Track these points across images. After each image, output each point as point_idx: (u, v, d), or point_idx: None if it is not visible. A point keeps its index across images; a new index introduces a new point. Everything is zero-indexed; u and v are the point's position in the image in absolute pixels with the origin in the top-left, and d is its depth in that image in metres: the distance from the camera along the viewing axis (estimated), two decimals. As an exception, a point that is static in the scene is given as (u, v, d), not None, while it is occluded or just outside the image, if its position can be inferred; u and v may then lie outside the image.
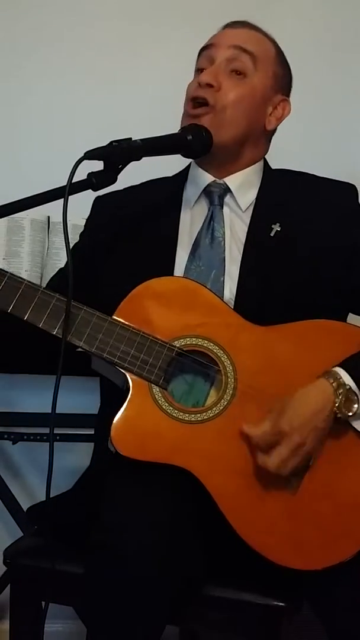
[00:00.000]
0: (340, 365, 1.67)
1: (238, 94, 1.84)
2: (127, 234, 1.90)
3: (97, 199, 1.98)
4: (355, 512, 1.65)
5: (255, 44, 1.88)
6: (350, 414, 1.65)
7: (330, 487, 1.66)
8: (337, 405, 1.64)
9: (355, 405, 1.65)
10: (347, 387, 1.65)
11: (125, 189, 1.95)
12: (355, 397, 1.65)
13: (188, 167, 1.97)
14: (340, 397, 1.64)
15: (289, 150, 2.05)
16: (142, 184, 1.99)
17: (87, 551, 1.58)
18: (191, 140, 1.82)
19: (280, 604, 1.68)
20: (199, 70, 1.90)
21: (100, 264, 1.89)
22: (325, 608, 1.67)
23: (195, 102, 1.85)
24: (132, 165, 1.73)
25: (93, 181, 1.68)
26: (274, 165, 1.97)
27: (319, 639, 1.69)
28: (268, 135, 1.94)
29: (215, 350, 1.70)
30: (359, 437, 1.67)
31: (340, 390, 1.64)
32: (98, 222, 1.98)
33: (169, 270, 1.83)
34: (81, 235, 2.01)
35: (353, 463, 1.67)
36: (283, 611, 1.68)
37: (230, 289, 1.82)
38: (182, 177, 1.96)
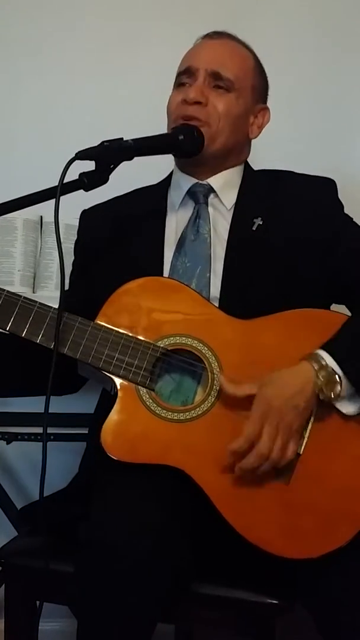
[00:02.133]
0: (323, 347, 1.68)
1: (225, 105, 1.88)
2: (115, 243, 1.92)
3: (83, 213, 2.02)
4: (348, 497, 1.66)
5: (232, 64, 1.90)
6: (333, 395, 1.66)
7: (322, 473, 1.67)
8: (319, 387, 1.65)
9: (338, 387, 1.66)
10: (329, 369, 1.66)
11: (110, 200, 1.99)
12: (338, 379, 1.66)
13: (171, 173, 1.99)
14: (321, 379, 1.65)
15: (282, 150, 2.06)
16: (126, 193, 2.01)
17: (77, 550, 1.59)
18: (182, 140, 1.83)
19: (274, 601, 1.69)
20: (181, 85, 1.91)
21: (95, 276, 1.90)
22: (317, 606, 1.67)
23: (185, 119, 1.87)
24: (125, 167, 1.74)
25: (85, 181, 1.70)
26: (266, 164, 2.00)
27: (315, 637, 1.69)
28: (250, 142, 1.98)
29: (199, 348, 1.71)
30: (346, 420, 1.68)
31: (322, 373, 1.65)
32: (86, 236, 2.00)
33: (158, 272, 1.85)
34: (74, 252, 2.03)
35: (342, 447, 1.68)
36: (277, 609, 1.69)
37: (215, 286, 1.83)
38: (165, 183, 1.99)
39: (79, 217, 2.03)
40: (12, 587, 1.84)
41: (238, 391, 1.66)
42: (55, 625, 2.44)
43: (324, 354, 1.67)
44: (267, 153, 2.04)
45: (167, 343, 1.71)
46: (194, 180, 1.92)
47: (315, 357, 1.67)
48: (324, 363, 1.66)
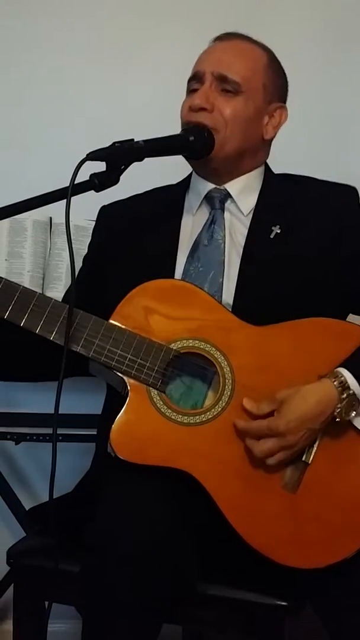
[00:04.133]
0: (345, 365, 1.68)
1: (232, 110, 1.85)
2: (130, 241, 1.91)
3: (102, 208, 2.02)
4: (355, 510, 1.66)
5: (239, 64, 1.87)
6: (348, 418, 1.66)
7: (331, 484, 1.67)
8: (338, 410, 1.65)
9: (354, 413, 1.67)
10: (351, 392, 1.66)
11: (129, 198, 1.99)
12: (357, 403, 1.66)
13: (191, 174, 1.98)
14: (343, 402, 1.65)
15: (290, 155, 2.06)
16: (145, 192, 2.01)
17: (83, 552, 1.58)
18: (193, 141, 1.83)
19: (283, 603, 1.69)
20: (191, 92, 1.90)
21: (107, 273, 1.90)
22: (326, 608, 1.67)
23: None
24: (136, 168, 1.74)
25: (95, 182, 1.70)
26: (275, 170, 1.99)
27: (324, 639, 1.69)
28: (267, 143, 1.96)
29: (212, 352, 1.71)
30: (357, 434, 1.68)
31: (344, 395, 1.65)
32: (103, 232, 2.00)
33: (169, 275, 1.84)
34: (89, 245, 2.03)
35: (352, 460, 1.68)
36: (286, 610, 1.69)
37: (228, 292, 1.82)
38: (184, 184, 1.98)
39: (89, 217, 2.03)
40: (20, 587, 1.85)
41: (258, 410, 1.66)
42: (61, 627, 2.44)
43: (346, 374, 1.67)
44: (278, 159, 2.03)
45: (179, 346, 1.71)
46: (212, 185, 1.92)
47: (339, 378, 1.66)
48: (346, 385, 1.66)
